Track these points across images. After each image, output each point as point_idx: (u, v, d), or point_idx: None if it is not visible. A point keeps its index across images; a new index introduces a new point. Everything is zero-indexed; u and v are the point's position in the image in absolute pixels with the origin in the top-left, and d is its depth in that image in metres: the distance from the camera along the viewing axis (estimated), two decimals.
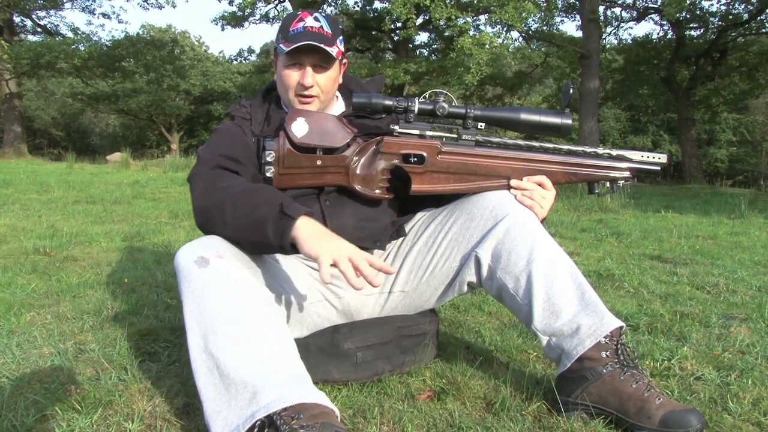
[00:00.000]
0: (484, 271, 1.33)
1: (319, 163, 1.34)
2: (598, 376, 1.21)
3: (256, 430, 0.98)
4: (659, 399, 1.16)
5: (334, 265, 1.08)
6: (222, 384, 1.04)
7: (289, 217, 1.12)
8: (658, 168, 1.39)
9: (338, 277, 1.40)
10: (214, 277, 1.11)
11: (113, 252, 3.03)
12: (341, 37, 1.42)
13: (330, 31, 1.38)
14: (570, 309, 1.26)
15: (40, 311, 1.95)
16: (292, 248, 1.12)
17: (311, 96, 1.39)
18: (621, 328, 1.25)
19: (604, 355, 1.22)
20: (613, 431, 1.19)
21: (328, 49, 1.34)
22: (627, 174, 1.38)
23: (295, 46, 1.33)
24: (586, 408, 1.22)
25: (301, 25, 1.37)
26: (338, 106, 1.51)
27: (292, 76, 1.38)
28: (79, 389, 1.34)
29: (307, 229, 1.12)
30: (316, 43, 1.33)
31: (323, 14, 1.41)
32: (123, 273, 2.53)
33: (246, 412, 1.00)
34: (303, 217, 1.13)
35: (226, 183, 1.24)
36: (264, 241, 1.14)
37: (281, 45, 1.37)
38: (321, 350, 1.36)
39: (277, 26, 1.51)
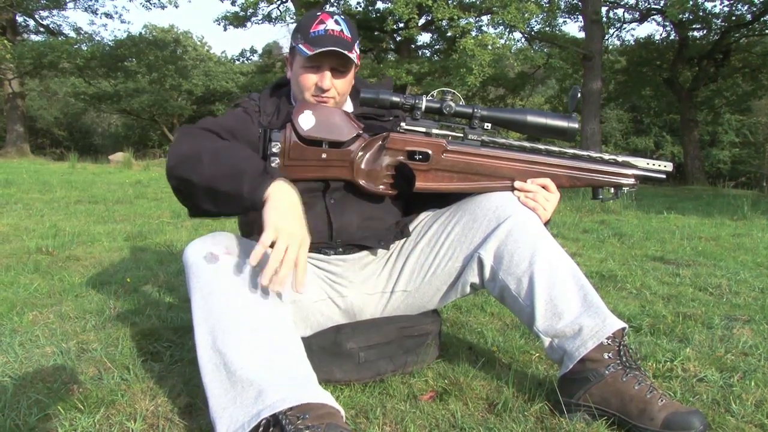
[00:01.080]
0: (487, 272, 1.33)
1: (324, 156, 1.33)
2: (601, 378, 1.21)
3: (261, 428, 0.98)
4: (662, 400, 1.15)
5: (271, 244, 1.05)
6: (228, 381, 1.04)
7: (269, 176, 1.13)
8: (663, 176, 1.39)
9: (341, 275, 1.41)
10: (222, 274, 1.12)
11: (115, 252, 3.03)
12: (358, 40, 1.42)
13: (350, 35, 1.37)
14: (572, 310, 1.25)
15: (42, 310, 1.95)
16: (261, 207, 1.11)
17: (328, 98, 1.39)
18: (623, 329, 1.25)
19: (606, 357, 1.22)
20: None
21: (348, 54, 1.34)
22: (632, 180, 1.38)
23: (318, 51, 1.31)
24: (588, 409, 1.22)
25: (322, 27, 1.35)
26: (346, 106, 1.50)
27: (310, 78, 1.37)
28: (81, 389, 1.34)
29: (280, 195, 1.11)
30: (339, 50, 1.32)
31: (343, 17, 1.39)
32: (125, 273, 2.53)
33: (252, 410, 1.00)
34: (281, 180, 1.13)
35: (210, 137, 1.25)
36: (236, 192, 1.13)
37: (301, 46, 1.35)
38: (324, 350, 1.36)
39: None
